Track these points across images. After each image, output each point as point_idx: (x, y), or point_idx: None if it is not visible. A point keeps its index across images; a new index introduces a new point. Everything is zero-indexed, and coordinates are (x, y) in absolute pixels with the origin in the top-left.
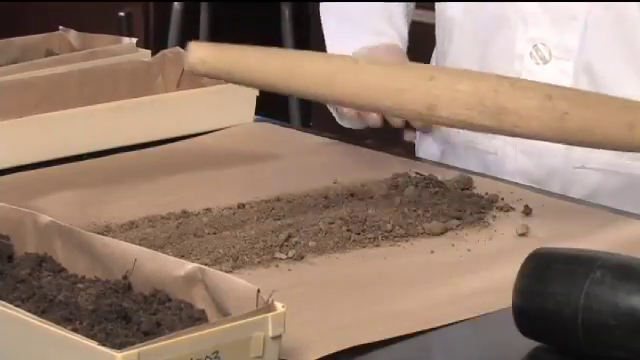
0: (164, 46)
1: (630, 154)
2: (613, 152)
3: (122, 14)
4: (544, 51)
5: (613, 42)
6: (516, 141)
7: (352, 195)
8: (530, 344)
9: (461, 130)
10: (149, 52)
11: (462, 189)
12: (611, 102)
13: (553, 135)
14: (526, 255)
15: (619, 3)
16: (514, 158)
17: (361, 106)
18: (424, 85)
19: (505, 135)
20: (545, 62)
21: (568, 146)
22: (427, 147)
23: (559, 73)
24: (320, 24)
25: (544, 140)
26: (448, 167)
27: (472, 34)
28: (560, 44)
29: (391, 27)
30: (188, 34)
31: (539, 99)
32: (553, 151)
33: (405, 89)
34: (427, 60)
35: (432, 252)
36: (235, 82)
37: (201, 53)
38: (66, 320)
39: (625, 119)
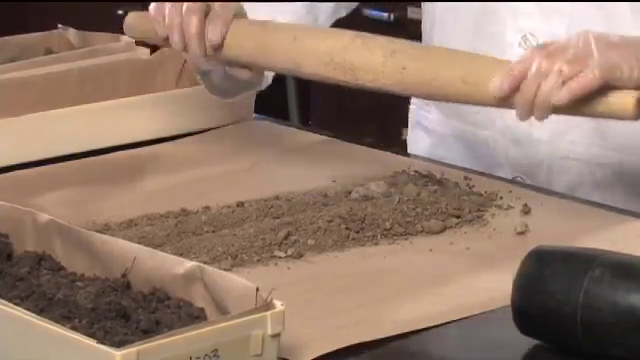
0: None
1: (614, 145)
2: (598, 145)
3: (121, 12)
4: (533, 41)
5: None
6: (505, 130)
7: (350, 193)
8: (529, 342)
9: (449, 121)
10: (148, 50)
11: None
12: (450, 56)
13: (399, 89)
14: (525, 253)
15: None
16: (503, 148)
17: (238, 63)
18: (288, 45)
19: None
20: None
21: (554, 138)
22: (417, 140)
23: None
24: None
25: (396, 93)
26: (448, 166)
27: (462, 25)
28: (548, 34)
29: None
30: None
31: (382, 55)
32: (540, 142)
33: (272, 49)
34: None
35: (431, 250)
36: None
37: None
38: (65, 318)
39: (458, 73)
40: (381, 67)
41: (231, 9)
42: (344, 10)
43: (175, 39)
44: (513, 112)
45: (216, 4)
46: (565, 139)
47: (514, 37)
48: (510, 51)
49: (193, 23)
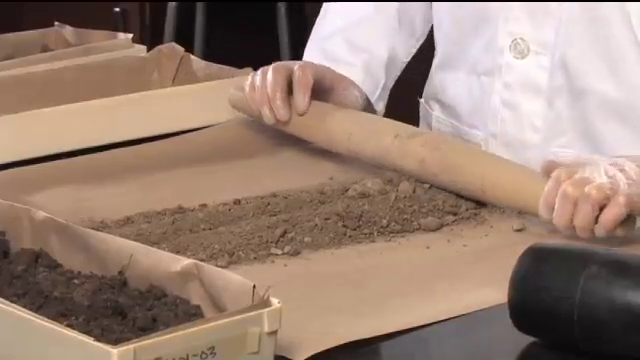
0: (160, 42)
1: (602, 149)
2: (587, 149)
3: (117, 10)
4: (523, 45)
5: (586, 38)
6: (497, 134)
7: (347, 190)
8: (526, 339)
9: (448, 120)
10: (144, 48)
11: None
12: (468, 170)
13: (436, 185)
14: (522, 251)
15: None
16: (495, 150)
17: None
18: (345, 142)
19: None
20: (523, 56)
21: (544, 142)
22: None
23: (537, 68)
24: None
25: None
26: None
27: (458, 26)
28: (537, 39)
29: (352, 54)
30: (184, 30)
31: (416, 161)
32: (530, 145)
33: (334, 142)
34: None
35: (428, 248)
36: None
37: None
38: (62, 316)
39: (479, 186)
40: (416, 171)
41: (311, 71)
42: None
43: (267, 114)
44: (506, 115)
45: (296, 70)
46: (555, 143)
47: (505, 41)
48: (501, 57)
49: (279, 97)
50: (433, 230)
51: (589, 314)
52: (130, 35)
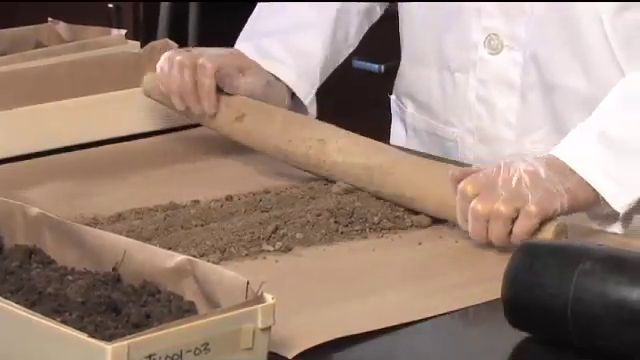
0: (153, 38)
1: None
2: (559, 143)
3: (111, 5)
4: (496, 41)
5: (556, 34)
6: (474, 130)
7: (333, 185)
8: (520, 335)
9: (421, 117)
10: (138, 44)
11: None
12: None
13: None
14: (515, 247)
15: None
16: (471, 146)
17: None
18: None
19: None
20: (497, 52)
21: (519, 138)
22: (397, 131)
23: (511, 63)
24: None
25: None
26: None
27: (429, 23)
28: (510, 35)
29: (288, 56)
30: (178, 26)
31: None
32: (505, 141)
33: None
34: None
35: (420, 244)
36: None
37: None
38: (55, 312)
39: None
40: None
41: (212, 70)
42: (378, 9)
43: (177, 102)
44: (481, 112)
45: (199, 74)
46: (529, 139)
47: (479, 37)
48: (475, 53)
49: (188, 89)
50: (425, 226)
51: (583, 310)
52: (124, 31)
